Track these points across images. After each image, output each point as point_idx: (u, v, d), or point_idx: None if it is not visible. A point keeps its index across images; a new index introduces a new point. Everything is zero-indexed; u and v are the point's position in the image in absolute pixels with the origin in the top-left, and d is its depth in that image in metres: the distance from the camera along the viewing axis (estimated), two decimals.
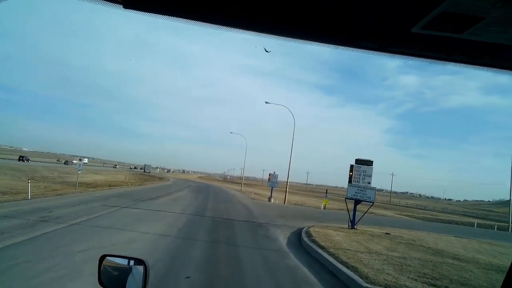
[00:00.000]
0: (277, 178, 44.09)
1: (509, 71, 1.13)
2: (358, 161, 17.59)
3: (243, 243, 11.61)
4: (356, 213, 17.55)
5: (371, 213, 50.00)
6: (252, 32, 1.03)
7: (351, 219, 17.58)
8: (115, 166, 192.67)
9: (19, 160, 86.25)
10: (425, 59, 1.10)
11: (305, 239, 13.01)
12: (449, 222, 48.58)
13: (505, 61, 1.09)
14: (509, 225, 40.14)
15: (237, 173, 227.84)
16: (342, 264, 9.04)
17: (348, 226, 17.74)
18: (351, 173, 17.58)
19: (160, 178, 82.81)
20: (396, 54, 1.09)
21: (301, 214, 27.52)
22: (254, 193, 50.17)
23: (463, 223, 46.08)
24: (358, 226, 17.61)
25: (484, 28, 0.88)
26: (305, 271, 8.82)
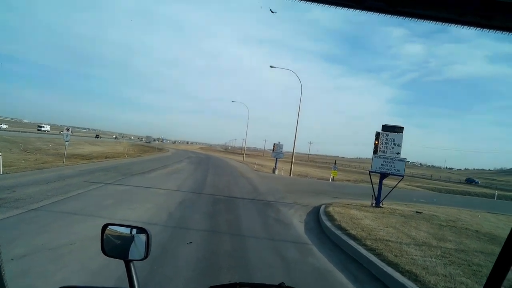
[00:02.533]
0: (282, 148, 41.42)
1: None
2: (385, 128, 14.79)
3: (251, 232, 8.99)
4: (374, 187, 14.93)
5: (384, 185, 47.78)
6: None
7: (376, 196, 14.96)
8: (115, 138, 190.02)
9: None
10: (435, 21, 0.99)
11: (327, 223, 10.42)
12: (467, 193, 46.25)
13: None
14: None
15: (238, 143, 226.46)
16: (392, 267, 6.43)
17: (372, 204, 15.16)
18: (376, 142, 14.83)
19: (160, 149, 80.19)
20: (406, 15, 0.97)
21: (311, 187, 24.96)
22: (257, 165, 47.59)
23: (482, 195, 43.61)
24: (382, 204, 15.04)
25: None
26: (342, 278, 6.23)
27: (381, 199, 14.83)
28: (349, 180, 50.33)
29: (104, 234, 1.93)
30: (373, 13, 0.99)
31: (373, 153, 14.91)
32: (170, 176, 21.37)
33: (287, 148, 42.52)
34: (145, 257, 1.85)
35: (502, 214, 18.64)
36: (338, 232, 9.21)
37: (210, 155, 78.11)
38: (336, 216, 11.32)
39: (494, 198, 39.29)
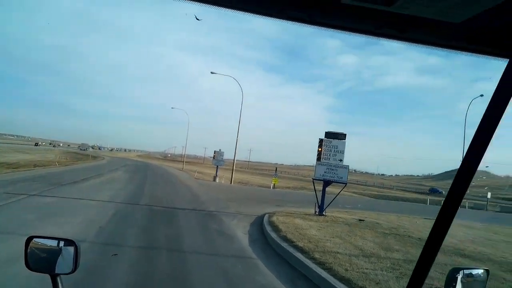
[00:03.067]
0: (222, 156, 40.75)
1: (435, 47, 1.14)
2: (328, 134, 14.67)
3: (192, 247, 8.27)
4: (317, 194, 14.73)
5: (319, 191, 48.55)
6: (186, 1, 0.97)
7: (319, 204, 14.75)
8: (38, 144, 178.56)
9: None
10: (355, 33, 1.08)
11: (272, 234, 9.93)
12: (402, 199, 48.15)
13: (431, 35, 1.12)
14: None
15: (178, 151, 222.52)
16: (345, 284, 6.02)
17: (315, 212, 14.93)
18: (320, 149, 14.65)
19: (94, 157, 76.21)
20: (327, 26, 1.06)
21: (253, 196, 24.51)
22: (198, 172, 46.51)
23: (415, 200, 45.56)
24: (325, 212, 14.85)
25: (412, 1, 0.87)
26: None
27: (324, 207, 14.63)
28: (289, 187, 50.57)
29: (29, 247, 1.83)
30: (295, 23, 1.03)
31: (317, 160, 14.72)
32: (103, 186, 19.93)
33: (228, 155, 41.98)
34: (73, 270, 1.80)
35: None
36: (285, 244, 8.73)
37: (149, 163, 75.56)
38: (281, 226, 10.87)
39: (427, 204, 41.23)
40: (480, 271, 1.83)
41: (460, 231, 15.16)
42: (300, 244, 8.61)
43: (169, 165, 77.51)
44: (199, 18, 1.61)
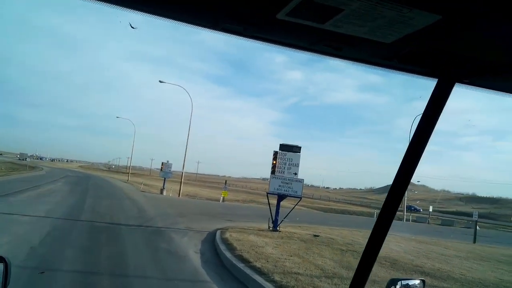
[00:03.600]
0: (171, 167, 39.43)
1: (369, 65, 1.18)
2: (283, 147, 14.21)
3: (139, 271, 7.41)
4: (271, 209, 14.22)
5: (272, 204, 48.21)
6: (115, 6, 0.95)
7: (273, 219, 14.22)
8: None
9: None
10: (290, 48, 1.10)
11: (227, 254, 9.24)
12: (349, 213, 48.97)
13: (365, 54, 1.14)
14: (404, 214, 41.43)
15: (123, 162, 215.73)
16: None
17: (269, 227, 14.39)
18: (274, 162, 14.15)
19: (32, 168, 71.61)
20: (262, 40, 1.08)
21: (203, 210, 23.59)
22: (144, 185, 44.69)
23: (361, 213, 46.41)
24: (279, 227, 14.36)
25: (344, 20, 0.90)
26: None
27: (278, 223, 14.13)
28: (238, 200, 49.99)
29: None
30: (231, 35, 1.05)
31: (271, 173, 14.21)
32: (39, 200, 18.26)
33: (175, 167, 40.69)
34: None
35: (392, 235, 19.33)
36: (241, 265, 8.07)
37: (91, 174, 72.01)
38: (235, 244, 10.20)
39: (374, 217, 42.09)
40: (417, 281, 1.87)
41: (410, 245, 15.23)
42: (258, 264, 7.99)
43: (113, 176, 74.28)
44: (134, 27, 1.56)
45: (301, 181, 14.15)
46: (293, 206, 14.59)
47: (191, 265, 8.46)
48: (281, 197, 14.21)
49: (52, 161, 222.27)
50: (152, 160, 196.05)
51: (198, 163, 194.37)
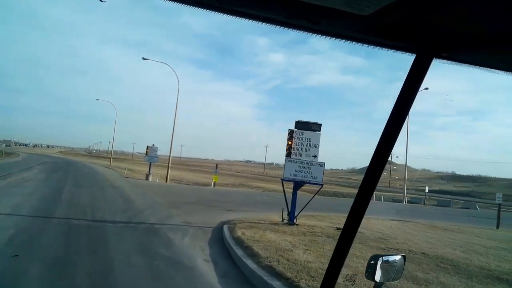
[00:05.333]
0: (156, 151, 36.80)
1: (346, 40, 1.15)
2: (299, 125, 11.85)
3: None
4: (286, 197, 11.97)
5: (262, 189, 46.08)
6: None
7: (289, 210, 11.99)
8: None
9: None
10: (268, 23, 1.06)
11: (248, 262, 7.02)
12: (343, 195, 47.32)
13: (342, 28, 1.11)
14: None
15: (104, 147, 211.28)
16: None
17: (282, 220, 12.19)
18: (290, 142, 11.81)
19: (8, 154, 67.72)
20: (237, 15, 1.03)
21: (196, 197, 21.23)
22: (128, 170, 41.93)
23: (353, 195, 44.42)
24: (285, 216, 12.18)
25: None
26: None
27: (295, 215, 11.90)
28: (227, 185, 47.70)
29: None
30: (204, 9, 1.00)
31: (286, 156, 11.88)
32: (7, 191, 15.61)
33: (159, 151, 38.05)
34: None
35: (409, 221, 17.38)
36: (276, 283, 5.83)
37: (71, 160, 68.68)
38: (254, 247, 7.96)
39: (373, 199, 40.39)
40: (398, 257, 1.95)
41: (443, 236, 13.27)
42: (303, 284, 5.75)
43: (95, 162, 70.93)
44: (103, 0, 1.28)
45: (322, 165, 11.86)
46: (313, 195, 12.37)
47: (204, 281, 6.19)
48: (298, 184, 11.94)
49: (34, 147, 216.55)
50: (134, 144, 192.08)
51: (181, 146, 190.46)
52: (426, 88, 37.62)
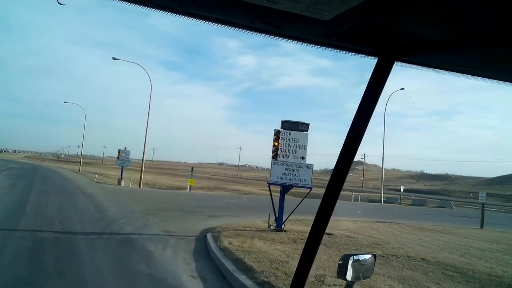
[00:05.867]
0: (129, 154, 35.42)
1: (310, 44, 1.15)
2: (286, 124, 11.12)
3: None
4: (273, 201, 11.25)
5: (239, 191, 45.16)
6: None
7: (276, 215, 11.26)
8: None
9: None
10: (231, 27, 1.06)
11: (241, 278, 6.23)
12: (321, 197, 46.72)
13: (304, 32, 1.10)
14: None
15: (73, 151, 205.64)
16: None
17: (269, 226, 11.45)
18: (276, 143, 11.07)
19: None
20: (200, 18, 1.02)
21: (174, 203, 20.21)
22: (99, 175, 40.26)
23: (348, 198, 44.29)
24: (272, 222, 11.48)
25: None
26: None
27: (282, 221, 11.18)
28: (202, 188, 46.60)
29: None
30: (165, 12, 0.99)
31: (272, 158, 11.13)
32: None
33: (131, 155, 36.66)
34: None
35: (394, 223, 16.94)
36: None
37: (38, 165, 66.00)
38: (245, 259, 7.20)
39: (352, 200, 40.18)
40: (368, 256, 1.95)
41: (433, 238, 12.84)
42: None
43: (63, 167, 68.39)
44: (61, 3, 1.21)
45: (311, 167, 11.20)
46: (302, 198, 11.68)
47: None
48: (286, 188, 11.22)
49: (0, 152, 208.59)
50: (104, 148, 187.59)
51: (153, 149, 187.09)
52: (402, 88, 38.01)
